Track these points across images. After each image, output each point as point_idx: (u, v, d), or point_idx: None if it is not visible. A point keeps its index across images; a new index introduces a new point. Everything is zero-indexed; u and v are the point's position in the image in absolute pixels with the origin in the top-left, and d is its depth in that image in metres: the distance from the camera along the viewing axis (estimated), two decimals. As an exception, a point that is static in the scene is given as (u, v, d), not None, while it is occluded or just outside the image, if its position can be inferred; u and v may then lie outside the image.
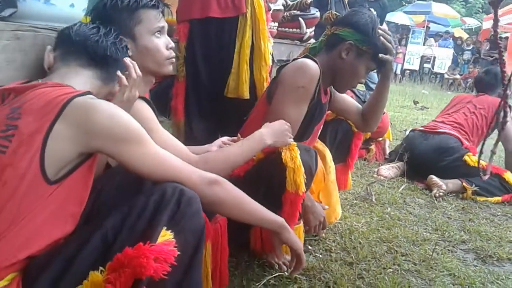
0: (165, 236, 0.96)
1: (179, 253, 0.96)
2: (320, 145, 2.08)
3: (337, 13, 1.88)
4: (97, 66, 1.17)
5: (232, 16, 1.90)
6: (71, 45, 1.16)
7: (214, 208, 1.19)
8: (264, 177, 1.53)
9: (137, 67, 1.24)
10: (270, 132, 1.51)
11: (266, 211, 1.27)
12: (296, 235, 1.38)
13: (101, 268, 0.94)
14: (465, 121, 3.34)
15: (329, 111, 2.17)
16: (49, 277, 0.95)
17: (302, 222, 1.77)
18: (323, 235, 2.06)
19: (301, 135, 1.77)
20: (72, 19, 1.54)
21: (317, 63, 1.74)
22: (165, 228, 0.98)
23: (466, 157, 3.06)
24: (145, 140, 1.07)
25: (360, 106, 2.09)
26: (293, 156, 1.54)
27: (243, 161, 1.42)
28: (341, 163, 2.22)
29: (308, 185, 1.62)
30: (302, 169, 1.54)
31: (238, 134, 1.67)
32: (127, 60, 1.22)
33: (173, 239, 0.97)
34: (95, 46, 1.17)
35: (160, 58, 1.40)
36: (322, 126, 2.01)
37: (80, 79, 1.13)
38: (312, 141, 1.95)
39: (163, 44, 1.40)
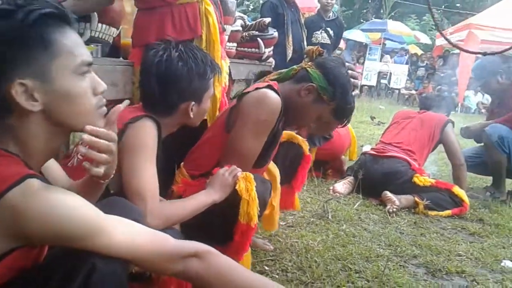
0: None
1: None
2: (271, 165, 2.08)
3: (322, 50, 1.89)
4: None
5: (187, 39, 1.92)
6: None
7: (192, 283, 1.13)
8: (218, 206, 1.54)
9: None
10: (213, 191, 1.55)
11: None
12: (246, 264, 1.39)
13: None
14: (412, 139, 3.51)
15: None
16: None
17: (249, 249, 1.79)
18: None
19: (260, 162, 1.78)
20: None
21: (278, 94, 1.72)
22: None
23: (415, 178, 3.21)
24: (100, 231, 0.91)
25: None
26: (248, 188, 1.55)
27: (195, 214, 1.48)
28: (287, 184, 2.23)
29: (259, 216, 1.63)
30: (257, 201, 1.55)
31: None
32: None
33: None
34: None
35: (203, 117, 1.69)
36: None
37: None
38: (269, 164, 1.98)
39: None
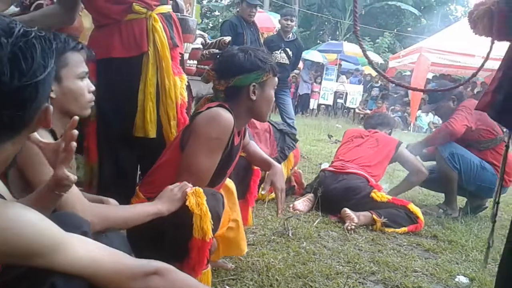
0: None
1: None
2: (228, 181, 2.05)
3: (212, 69, 1.88)
4: None
5: (136, 55, 1.90)
6: None
7: None
8: (170, 223, 1.51)
9: None
10: (160, 202, 1.52)
11: None
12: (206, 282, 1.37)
13: None
14: (369, 156, 3.61)
15: None
16: None
17: (209, 266, 1.77)
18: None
19: (214, 181, 1.78)
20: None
21: (230, 112, 1.74)
22: None
23: (373, 194, 3.30)
24: (62, 247, 0.90)
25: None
26: (199, 202, 1.54)
27: (138, 223, 1.43)
28: (241, 199, 2.22)
29: (215, 230, 1.62)
30: (209, 215, 1.54)
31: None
32: None
33: None
34: None
35: (83, 101, 1.50)
36: None
37: None
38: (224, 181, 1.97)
39: (86, 88, 1.49)
